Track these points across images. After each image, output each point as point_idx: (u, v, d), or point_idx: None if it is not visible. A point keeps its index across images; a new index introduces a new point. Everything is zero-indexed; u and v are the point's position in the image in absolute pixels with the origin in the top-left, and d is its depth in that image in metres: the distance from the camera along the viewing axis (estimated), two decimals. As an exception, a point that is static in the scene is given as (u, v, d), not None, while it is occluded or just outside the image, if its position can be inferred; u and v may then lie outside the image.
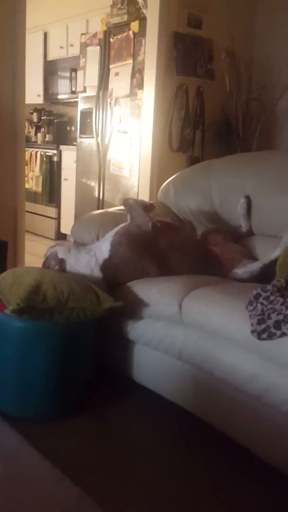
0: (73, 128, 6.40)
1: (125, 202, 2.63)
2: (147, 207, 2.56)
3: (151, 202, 2.76)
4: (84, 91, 4.96)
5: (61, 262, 2.44)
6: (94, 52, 4.68)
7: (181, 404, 2.20)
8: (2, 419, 2.16)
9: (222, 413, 2.04)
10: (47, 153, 6.12)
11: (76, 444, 2.08)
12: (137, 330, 2.31)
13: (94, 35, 4.71)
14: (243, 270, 2.43)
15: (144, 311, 2.24)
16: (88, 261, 2.43)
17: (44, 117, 6.90)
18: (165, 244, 2.48)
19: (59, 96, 6.45)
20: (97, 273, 2.40)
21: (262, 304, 1.84)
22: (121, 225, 2.53)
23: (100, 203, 4.82)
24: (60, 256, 2.46)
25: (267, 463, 1.86)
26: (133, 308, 2.27)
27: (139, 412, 2.33)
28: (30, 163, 6.27)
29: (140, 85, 4.11)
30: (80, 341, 2.25)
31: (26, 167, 5.26)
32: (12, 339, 2.16)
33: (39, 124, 6.97)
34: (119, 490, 1.82)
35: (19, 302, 2.06)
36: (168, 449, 2.08)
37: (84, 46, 4.85)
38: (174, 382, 2.23)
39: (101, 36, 4.61)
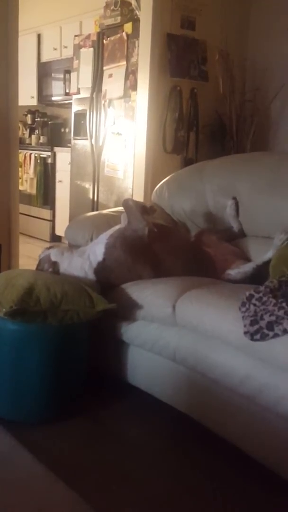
0: (67, 130, 6.39)
1: (125, 202, 2.59)
2: (146, 210, 2.52)
3: (152, 205, 2.69)
4: (78, 92, 4.96)
5: (54, 264, 2.44)
6: (87, 53, 4.68)
7: (175, 406, 2.20)
8: (-4, 422, 2.16)
9: (217, 414, 2.04)
10: (41, 155, 6.12)
11: (70, 447, 2.07)
12: (131, 332, 2.31)
13: (88, 37, 4.71)
14: (236, 271, 2.44)
15: (138, 313, 2.24)
16: (82, 264, 2.42)
17: (38, 119, 6.89)
18: (159, 247, 2.47)
19: (53, 98, 6.45)
20: (91, 275, 2.40)
21: (255, 305, 1.84)
22: (116, 228, 2.52)
23: (95, 205, 4.82)
24: (53, 259, 2.46)
25: (261, 464, 1.86)
26: (127, 310, 2.27)
27: (133, 414, 2.33)
28: (25, 165, 6.27)
29: (134, 87, 4.11)
30: (74, 343, 2.24)
31: (20, 169, 5.25)
32: (5, 342, 2.15)
33: (33, 126, 6.96)
34: (114, 493, 1.82)
35: (12, 304, 2.05)
36: (163, 451, 2.08)
37: (77, 47, 4.85)
38: (168, 384, 2.23)
39: (94, 37, 4.61)
